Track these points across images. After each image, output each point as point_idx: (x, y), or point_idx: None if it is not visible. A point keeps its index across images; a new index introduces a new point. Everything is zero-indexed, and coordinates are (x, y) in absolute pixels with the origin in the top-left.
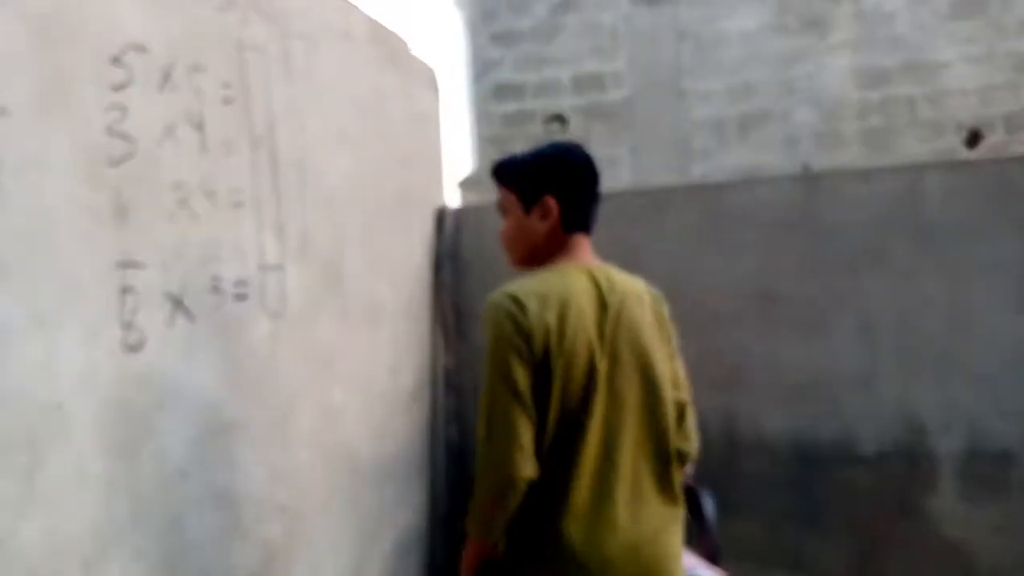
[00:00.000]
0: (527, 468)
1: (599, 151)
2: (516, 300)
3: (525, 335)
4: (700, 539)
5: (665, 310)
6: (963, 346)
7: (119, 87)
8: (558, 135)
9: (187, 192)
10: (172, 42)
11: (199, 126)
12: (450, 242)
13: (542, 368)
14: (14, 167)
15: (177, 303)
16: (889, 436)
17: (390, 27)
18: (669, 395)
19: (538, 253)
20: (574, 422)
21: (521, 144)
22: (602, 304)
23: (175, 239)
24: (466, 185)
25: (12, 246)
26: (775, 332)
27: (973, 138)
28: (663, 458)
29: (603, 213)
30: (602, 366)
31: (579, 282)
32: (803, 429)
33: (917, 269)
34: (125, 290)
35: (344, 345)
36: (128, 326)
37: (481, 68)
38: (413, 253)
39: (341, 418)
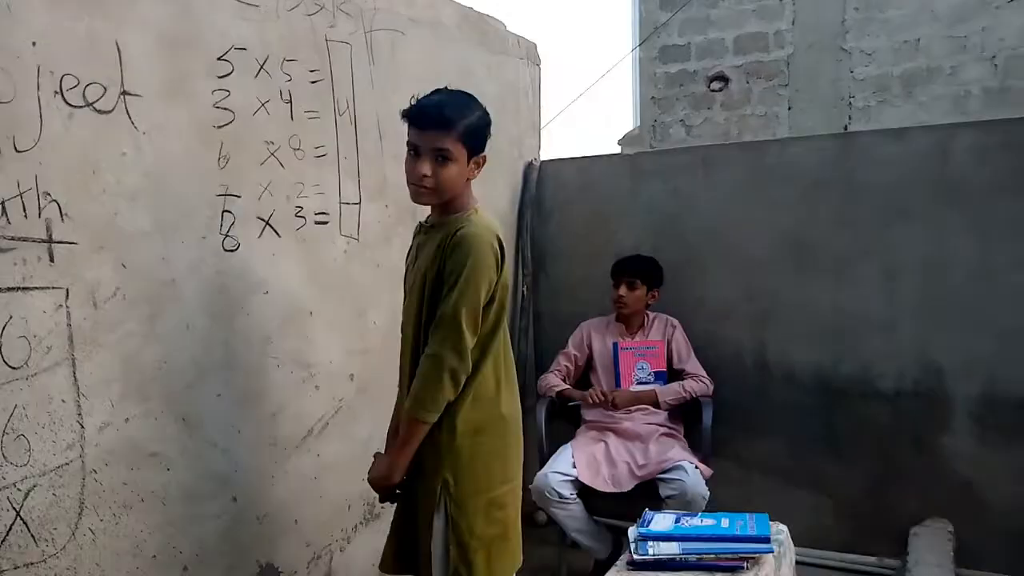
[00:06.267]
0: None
1: (759, 109)
2: (497, 237)
3: (500, 266)
4: (698, 443)
5: None
6: (986, 299)
7: (224, 76)
8: (720, 93)
9: (276, 147)
10: (267, 42)
11: (288, 101)
12: (534, 191)
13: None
14: (146, 130)
15: (265, 223)
16: (908, 377)
17: (484, 12)
18: None
19: (455, 197)
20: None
21: (683, 104)
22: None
23: (265, 179)
24: (626, 141)
25: (143, 179)
26: (806, 278)
27: None
28: None
29: (660, 167)
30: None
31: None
32: (826, 364)
33: (943, 224)
34: (225, 211)
35: None
36: (226, 235)
37: (648, 32)
38: (499, 199)
39: None
